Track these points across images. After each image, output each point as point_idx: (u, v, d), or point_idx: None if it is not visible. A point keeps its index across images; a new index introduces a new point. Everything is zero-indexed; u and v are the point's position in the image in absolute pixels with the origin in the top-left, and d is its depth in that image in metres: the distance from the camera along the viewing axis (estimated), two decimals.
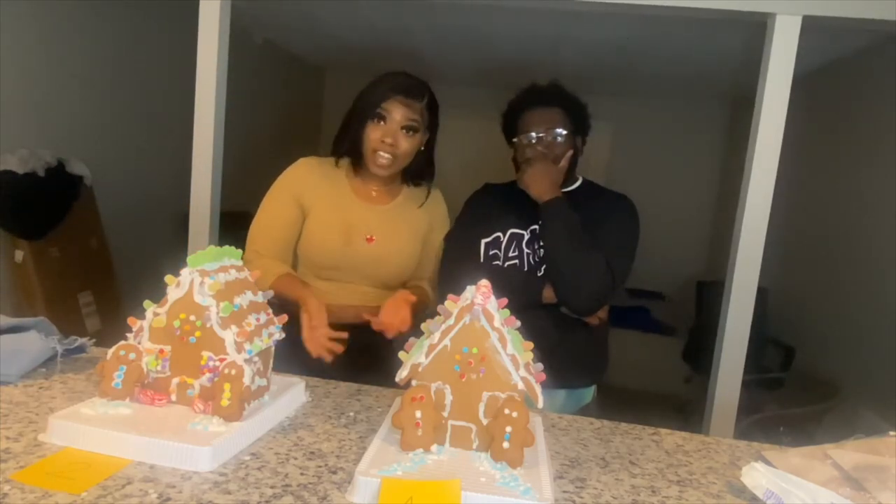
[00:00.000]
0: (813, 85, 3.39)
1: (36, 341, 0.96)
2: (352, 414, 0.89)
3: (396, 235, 1.47)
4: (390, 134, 1.38)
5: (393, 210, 1.50)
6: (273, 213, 1.46)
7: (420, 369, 0.75)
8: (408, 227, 1.49)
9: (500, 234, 1.49)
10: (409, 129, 1.40)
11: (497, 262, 1.46)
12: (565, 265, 1.36)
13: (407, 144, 1.41)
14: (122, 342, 0.80)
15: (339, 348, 1.21)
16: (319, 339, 1.21)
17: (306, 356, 1.21)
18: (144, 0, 3.12)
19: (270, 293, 0.92)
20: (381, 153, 1.39)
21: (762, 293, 1.76)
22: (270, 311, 0.89)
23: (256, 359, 0.81)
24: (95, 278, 2.83)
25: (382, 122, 1.39)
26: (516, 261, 1.46)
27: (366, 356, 1.27)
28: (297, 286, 1.35)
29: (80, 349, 1.03)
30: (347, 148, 1.46)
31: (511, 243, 1.48)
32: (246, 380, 0.75)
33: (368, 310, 1.40)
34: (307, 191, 1.46)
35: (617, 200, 1.52)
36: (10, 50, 2.42)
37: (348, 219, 1.45)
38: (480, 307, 0.74)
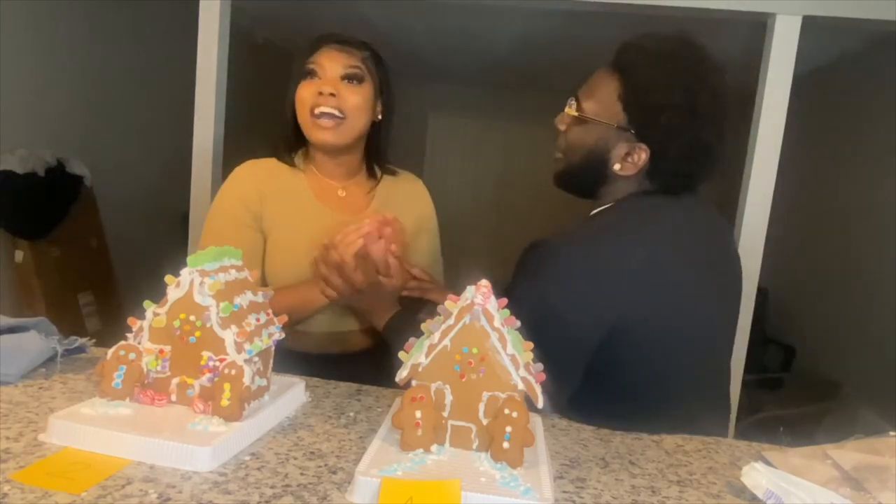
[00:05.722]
0: (813, 85, 3.39)
1: (36, 341, 0.96)
2: (352, 414, 0.89)
3: None
4: (328, 83, 1.13)
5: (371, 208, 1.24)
6: (227, 241, 0.95)
7: (420, 369, 0.75)
8: None
9: None
10: (352, 77, 1.14)
11: None
12: None
13: (354, 97, 1.14)
14: (122, 342, 0.80)
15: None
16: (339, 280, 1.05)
17: (306, 357, 1.20)
18: (144, 0, 3.12)
19: (270, 293, 0.91)
20: (322, 108, 1.12)
21: (762, 293, 1.76)
22: (270, 311, 0.89)
23: (256, 359, 0.81)
24: (95, 278, 2.83)
25: (316, 77, 1.15)
26: None
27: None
28: (290, 291, 1.15)
29: (80, 349, 1.03)
30: (287, 139, 1.21)
31: None
32: (246, 380, 0.75)
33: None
34: (261, 204, 1.18)
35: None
36: (11, 50, 2.42)
37: (316, 237, 1.14)
38: (480, 307, 0.74)
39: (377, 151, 1.27)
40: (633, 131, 0.98)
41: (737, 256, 1.11)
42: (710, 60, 0.98)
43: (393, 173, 1.32)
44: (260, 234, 1.19)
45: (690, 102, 0.94)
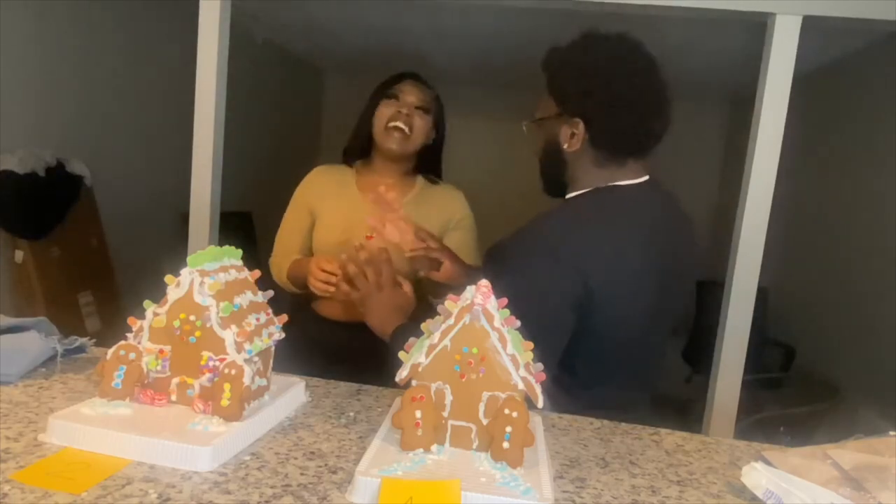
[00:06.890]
0: (813, 85, 3.39)
1: (36, 341, 0.96)
2: (352, 414, 0.89)
3: None
4: (405, 107, 1.46)
5: (403, 208, 1.48)
6: (288, 223, 1.59)
7: (420, 369, 0.75)
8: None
9: None
10: (423, 109, 1.48)
11: None
12: None
13: (421, 123, 1.48)
14: (122, 342, 0.80)
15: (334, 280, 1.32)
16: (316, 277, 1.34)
17: (306, 356, 1.21)
18: (145, 0, 3.12)
19: (270, 293, 0.92)
20: (396, 123, 1.45)
21: (762, 293, 1.76)
22: (270, 311, 0.89)
23: (256, 359, 0.81)
24: (95, 278, 2.83)
25: (396, 100, 1.47)
26: None
27: (369, 358, 1.26)
28: (302, 263, 1.47)
29: (80, 349, 1.03)
30: (359, 142, 1.52)
31: None
32: (246, 380, 0.75)
33: None
34: (317, 197, 1.55)
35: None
36: (10, 50, 2.42)
37: (351, 218, 1.48)
38: (480, 307, 0.74)
39: (425, 165, 1.59)
40: (565, 114, 1.11)
41: (692, 235, 1.23)
42: (610, 36, 1.12)
43: (434, 183, 1.63)
44: (311, 215, 1.57)
45: (594, 68, 1.07)
